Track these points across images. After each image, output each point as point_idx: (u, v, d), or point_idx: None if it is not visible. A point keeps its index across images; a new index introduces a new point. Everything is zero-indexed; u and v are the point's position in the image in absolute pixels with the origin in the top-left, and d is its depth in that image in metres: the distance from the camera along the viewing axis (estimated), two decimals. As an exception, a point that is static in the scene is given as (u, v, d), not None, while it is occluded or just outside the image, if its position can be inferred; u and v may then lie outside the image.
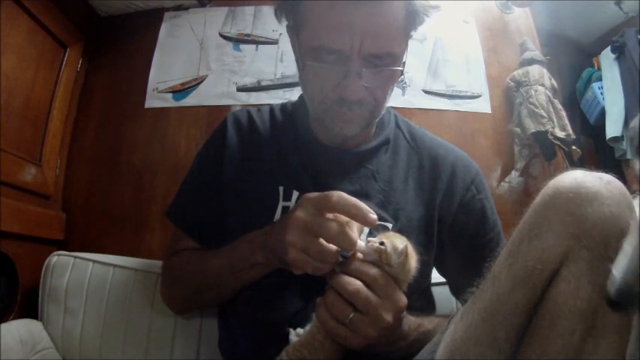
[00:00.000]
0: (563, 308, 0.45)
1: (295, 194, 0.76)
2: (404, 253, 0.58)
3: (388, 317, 0.57)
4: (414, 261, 0.60)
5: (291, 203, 0.76)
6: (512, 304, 0.48)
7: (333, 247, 0.58)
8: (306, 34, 0.69)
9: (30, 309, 1.07)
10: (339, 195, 0.59)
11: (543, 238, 0.47)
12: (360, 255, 0.60)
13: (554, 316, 0.45)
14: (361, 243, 0.60)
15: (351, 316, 0.56)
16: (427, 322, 0.69)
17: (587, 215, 0.46)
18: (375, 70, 0.68)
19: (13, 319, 1.03)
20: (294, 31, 0.74)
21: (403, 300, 0.60)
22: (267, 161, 0.81)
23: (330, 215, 0.60)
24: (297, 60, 0.74)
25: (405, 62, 0.72)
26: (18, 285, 1.10)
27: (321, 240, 0.58)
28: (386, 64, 0.68)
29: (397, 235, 0.61)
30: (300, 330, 0.64)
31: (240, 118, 0.87)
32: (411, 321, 0.66)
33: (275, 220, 0.75)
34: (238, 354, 0.79)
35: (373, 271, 0.58)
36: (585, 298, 0.45)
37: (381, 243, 0.59)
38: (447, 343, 0.56)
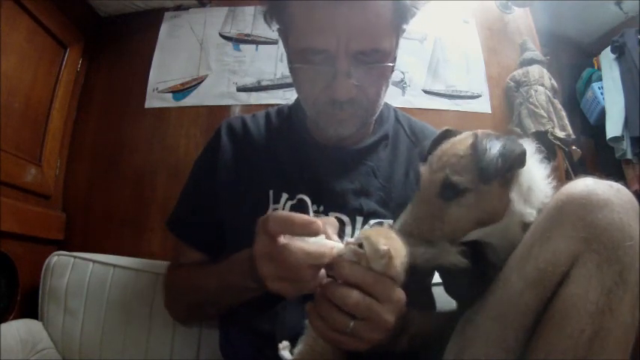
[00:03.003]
0: (572, 309, 0.46)
1: (284, 196, 0.76)
2: (387, 256, 0.50)
3: (391, 318, 0.54)
4: (401, 258, 0.52)
5: (280, 205, 0.75)
6: (522, 305, 0.49)
7: (304, 264, 0.52)
8: (293, 37, 0.69)
9: (30, 309, 1.07)
10: (273, 217, 0.53)
11: (555, 241, 0.49)
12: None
13: (563, 316, 0.47)
14: (340, 246, 0.53)
15: (352, 325, 0.52)
16: (427, 317, 0.69)
17: (598, 221, 0.48)
18: (365, 68, 0.67)
19: (13, 319, 1.03)
20: (283, 35, 0.74)
21: (402, 297, 0.56)
22: (259, 166, 0.80)
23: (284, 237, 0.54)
24: (288, 63, 0.74)
25: (396, 57, 0.71)
26: (18, 285, 1.10)
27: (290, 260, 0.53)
28: (375, 60, 0.67)
29: (382, 230, 0.54)
30: (286, 343, 0.62)
31: (234, 125, 0.86)
32: (411, 314, 0.65)
33: None
34: (239, 357, 0.79)
35: (369, 276, 0.52)
36: (594, 300, 0.46)
37: (360, 245, 0.51)
38: (455, 343, 0.56)
